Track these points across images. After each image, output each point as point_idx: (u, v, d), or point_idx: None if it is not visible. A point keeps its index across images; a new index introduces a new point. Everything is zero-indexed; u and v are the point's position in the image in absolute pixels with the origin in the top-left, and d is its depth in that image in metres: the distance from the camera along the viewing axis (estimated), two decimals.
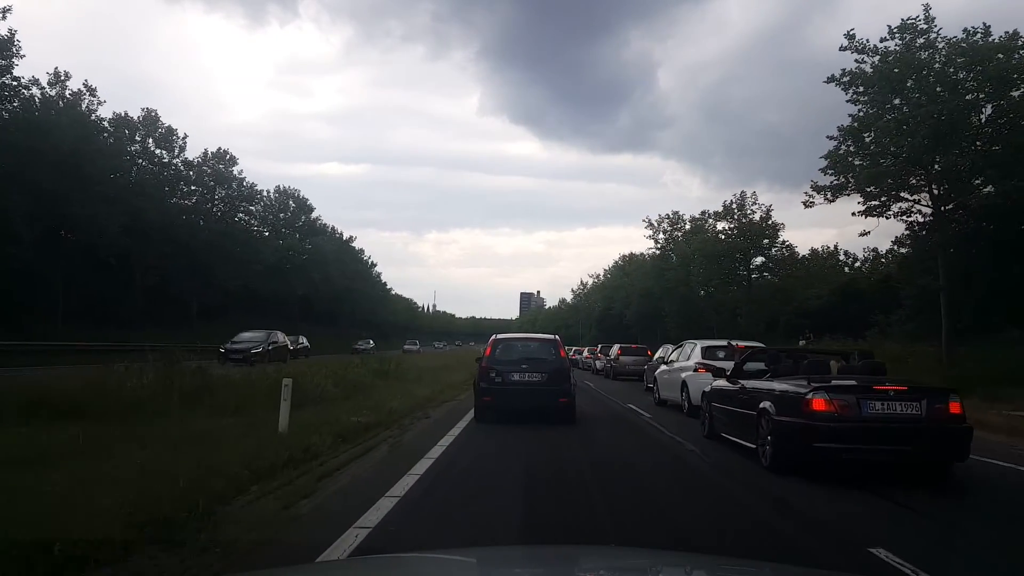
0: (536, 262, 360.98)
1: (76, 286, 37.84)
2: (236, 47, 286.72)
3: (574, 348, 54.44)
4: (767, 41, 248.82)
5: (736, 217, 37.16)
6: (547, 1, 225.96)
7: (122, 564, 4.18)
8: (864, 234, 23.62)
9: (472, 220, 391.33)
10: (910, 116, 20.87)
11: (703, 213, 50.78)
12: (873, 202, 22.19)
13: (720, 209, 38.15)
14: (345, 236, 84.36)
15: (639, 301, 60.37)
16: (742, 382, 9.16)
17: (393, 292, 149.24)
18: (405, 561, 3.02)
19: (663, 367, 16.29)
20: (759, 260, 37.46)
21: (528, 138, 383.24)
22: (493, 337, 13.24)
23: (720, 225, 38.46)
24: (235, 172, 52.48)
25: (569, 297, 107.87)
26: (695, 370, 13.64)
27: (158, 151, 45.43)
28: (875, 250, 47.70)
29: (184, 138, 46.29)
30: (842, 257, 47.56)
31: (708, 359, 13.68)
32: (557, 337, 13.78)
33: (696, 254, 41.68)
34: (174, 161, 46.45)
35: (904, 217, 23.09)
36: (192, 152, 52.27)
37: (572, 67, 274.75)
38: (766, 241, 36.41)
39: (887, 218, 22.61)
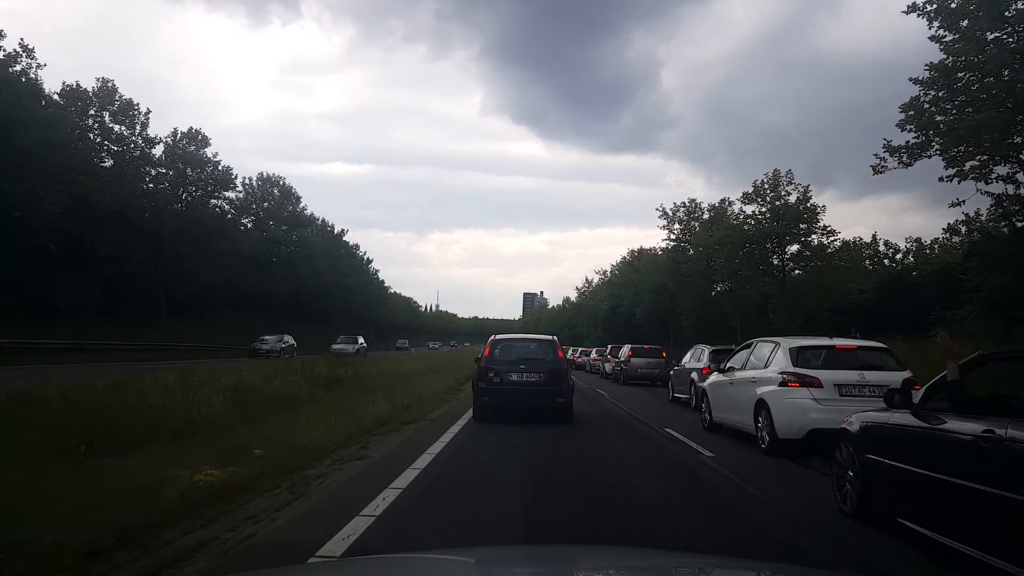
0: (539, 262, 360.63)
1: (16, 276, 33.15)
2: (238, 47, 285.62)
3: (580, 349, 49.67)
4: (770, 41, 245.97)
5: (769, 199, 32.28)
6: (549, 0, 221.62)
7: None
8: (957, 204, 18.82)
9: (475, 220, 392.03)
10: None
11: (723, 200, 46.10)
12: (972, 161, 17.26)
13: (748, 192, 33.23)
14: (337, 230, 79.51)
15: (650, 298, 55.44)
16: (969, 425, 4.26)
17: (392, 291, 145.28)
18: (404, 561, 2.98)
19: (717, 377, 11.41)
20: (794, 248, 32.60)
21: (530, 138, 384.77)
22: (492, 337, 13.39)
23: (749, 209, 33.62)
24: (208, 154, 47.74)
25: (573, 296, 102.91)
26: (782, 384, 8.79)
27: (116, 127, 40.62)
28: (918, 240, 42.78)
29: (147, 113, 41.55)
30: (881, 248, 42.55)
31: (802, 366, 8.83)
32: (555, 338, 13.75)
33: (720, 243, 36.80)
34: (135, 139, 41.57)
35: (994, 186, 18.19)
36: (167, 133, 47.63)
37: (574, 67, 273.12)
38: (803, 226, 31.53)
39: (987, 183, 17.69)
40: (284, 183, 61.24)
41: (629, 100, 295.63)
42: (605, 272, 78.69)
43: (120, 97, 40.10)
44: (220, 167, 48.05)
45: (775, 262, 33.58)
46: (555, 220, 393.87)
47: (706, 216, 47.46)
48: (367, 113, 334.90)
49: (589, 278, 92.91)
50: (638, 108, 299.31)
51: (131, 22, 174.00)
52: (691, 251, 46.21)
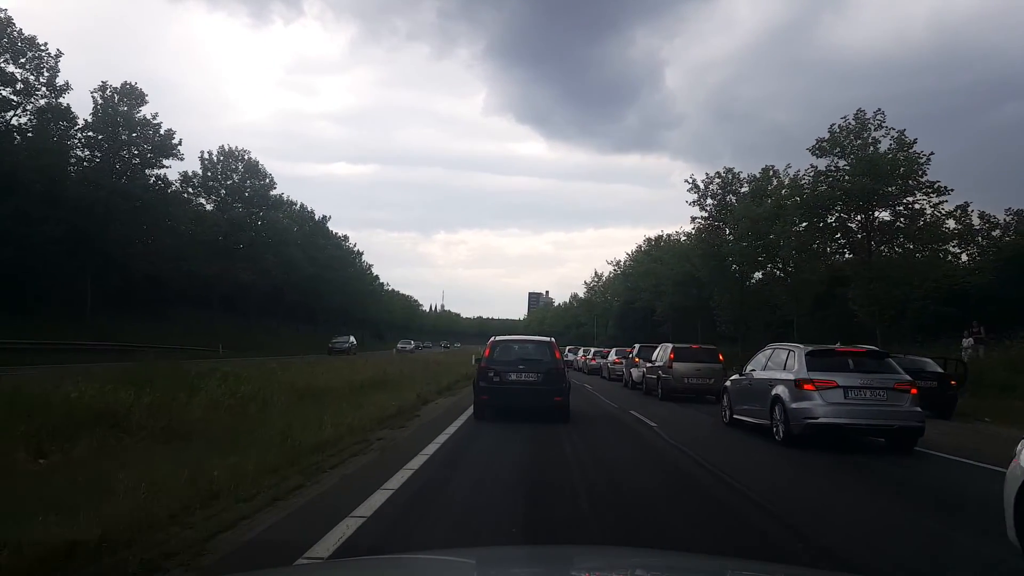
0: (544, 263, 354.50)
1: None
2: (241, 46, 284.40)
3: (593, 350, 41.28)
4: (776, 39, 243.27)
5: (853, 149, 23.87)
6: None
7: None
8: None
9: (480, 221, 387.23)
10: None
11: (767, 169, 37.76)
12: None
13: (823, 139, 24.72)
14: (319, 216, 71.46)
15: (675, 291, 47.10)
16: None
17: (389, 288, 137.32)
18: (404, 562, 2.98)
19: None
20: (885, 215, 24.20)
21: (535, 138, 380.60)
22: (492, 339, 13.90)
23: (821, 164, 25.21)
24: (146, 115, 39.59)
25: (582, 291, 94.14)
26: None
27: (14, 70, 32.52)
28: (1018, 213, 34.23)
29: (57, 56, 33.40)
30: (976, 221, 33.82)
31: None
32: (552, 340, 14.38)
33: (781, 209, 28.56)
34: (39, 86, 33.45)
35: None
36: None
37: (578, 66, 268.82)
38: (898, 183, 23.15)
39: None
40: (250, 157, 53.08)
41: (633, 99, 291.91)
42: (619, 263, 70.21)
43: (18, 33, 31.98)
44: (161, 130, 39.85)
45: (856, 234, 25.15)
46: (560, 220, 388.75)
47: (745, 189, 39.17)
48: (371, 113, 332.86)
49: (598, 271, 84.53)
50: (643, 107, 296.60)
51: (133, 22, 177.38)
52: (729, 231, 37.89)
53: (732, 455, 9.77)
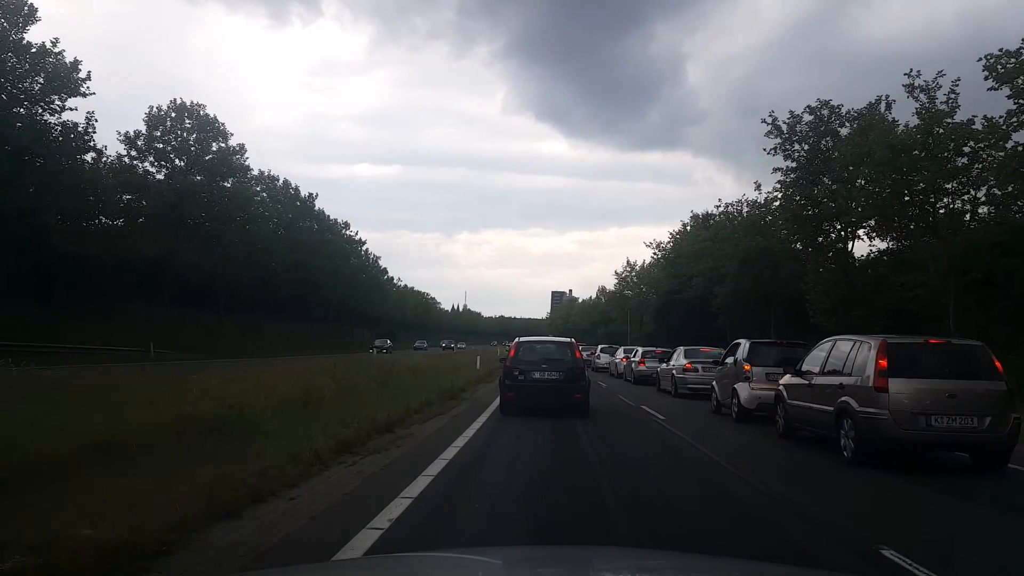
0: (569, 262, 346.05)
1: None
2: (261, 49, 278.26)
3: (641, 350, 30.19)
4: (800, 32, 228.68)
5: None
6: None
7: None
8: None
9: (504, 220, 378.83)
10: None
11: (880, 98, 26.97)
12: None
13: None
14: (304, 193, 61.41)
15: (741, 273, 36.30)
16: None
17: (400, 283, 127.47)
18: (428, 560, 2.98)
19: None
20: None
21: (554, 136, 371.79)
22: (516, 340, 14.73)
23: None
24: (35, 40, 29.54)
25: (611, 284, 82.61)
26: None
27: None
28: None
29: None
30: None
31: None
32: (572, 340, 15.26)
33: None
34: None
35: None
36: None
37: (598, 62, 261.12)
38: None
39: None
40: (203, 112, 42.86)
41: (655, 96, 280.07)
42: (659, 245, 58.79)
43: None
44: (59, 58, 29.85)
45: None
46: (584, 219, 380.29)
47: (844, 131, 28.42)
48: (393, 113, 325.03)
49: (631, 261, 73.32)
50: (664, 104, 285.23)
51: (155, 26, 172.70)
52: (832, 181, 27.17)
53: None
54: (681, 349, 21.48)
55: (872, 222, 25.64)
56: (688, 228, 53.59)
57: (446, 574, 2.54)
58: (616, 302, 79.48)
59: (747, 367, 13.34)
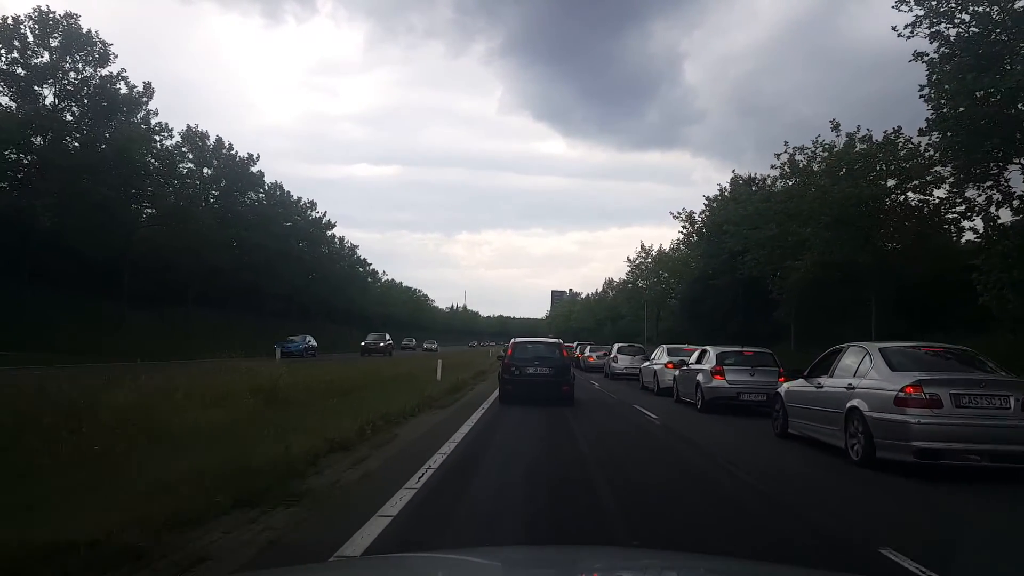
0: (569, 262, 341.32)
1: None
2: (257, 48, 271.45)
3: (705, 350, 18.19)
4: (799, 30, 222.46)
5: None
6: None
7: None
8: None
9: (504, 221, 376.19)
10: None
11: None
12: None
13: None
14: (269, 173, 49.64)
15: (833, 238, 24.59)
16: None
17: (386, 277, 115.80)
18: (424, 561, 2.95)
19: None
20: None
21: (552, 136, 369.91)
22: (512, 340, 17.00)
23: None
24: None
25: (623, 273, 69.71)
26: None
27: None
28: None
29: None
30: None
31: None
32: (560, 341, 18.91)
33: None
34: None
35: None
36: None
37: (595, 61, 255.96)
38: None
39: None
40: (75, 24, 31.06)
41: (653, 95, 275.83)
42: (691, 215, 46.24)
43: None
44: None
45: None
46: (584, 219, 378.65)
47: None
48: (391, 113, 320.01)
49: (647, 245, 61.31)
50: (663, 103, 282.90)
51: (150, 26, 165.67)
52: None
53: None
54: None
55: None
56: (726, 193, 41.80)
57: (446, 574, 2.56)
58: (627, 295, 67.59)
59: None
